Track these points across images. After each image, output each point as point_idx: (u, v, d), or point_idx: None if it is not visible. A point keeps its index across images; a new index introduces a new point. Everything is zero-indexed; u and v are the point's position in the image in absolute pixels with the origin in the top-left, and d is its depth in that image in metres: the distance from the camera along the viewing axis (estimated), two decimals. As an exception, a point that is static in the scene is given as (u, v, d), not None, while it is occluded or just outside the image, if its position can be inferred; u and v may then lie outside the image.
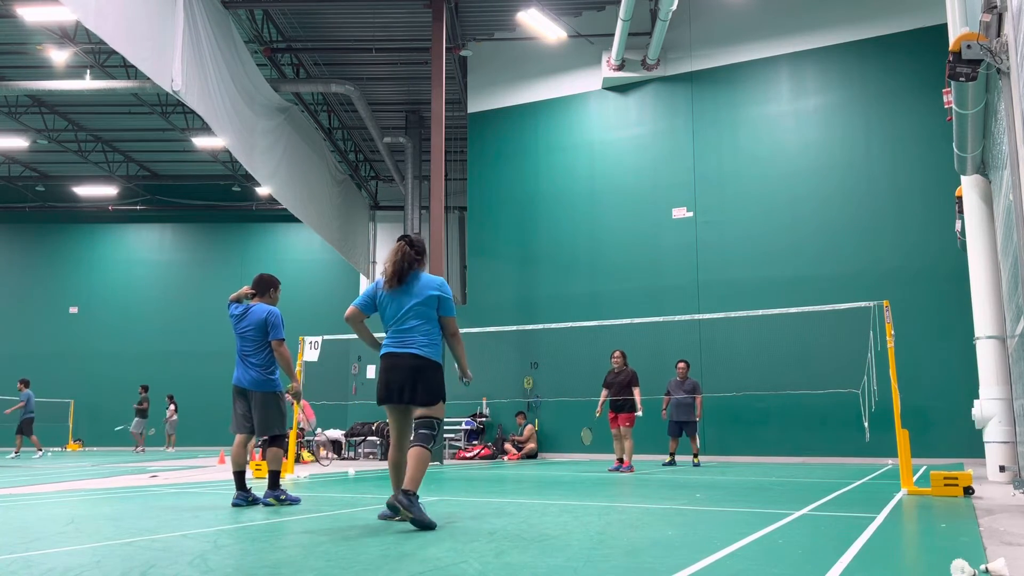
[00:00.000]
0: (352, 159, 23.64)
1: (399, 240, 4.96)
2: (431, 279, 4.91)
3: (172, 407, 21.59)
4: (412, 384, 4.73)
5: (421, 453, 4.63)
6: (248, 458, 6.36)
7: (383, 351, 4.90)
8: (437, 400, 4.79)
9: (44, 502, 6.40)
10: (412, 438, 4.78)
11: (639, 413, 10.80)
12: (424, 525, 4.44)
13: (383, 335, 4.99)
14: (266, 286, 6.44)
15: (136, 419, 20.58)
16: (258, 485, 6.93)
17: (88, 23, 9.49)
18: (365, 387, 18.69)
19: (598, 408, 11.05)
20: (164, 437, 21.53)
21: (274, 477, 6.16)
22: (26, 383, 17.53)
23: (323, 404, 16.64)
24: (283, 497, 6.07)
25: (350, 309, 5.01)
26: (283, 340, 6.19)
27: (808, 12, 15.11)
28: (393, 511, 4.57)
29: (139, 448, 20.48)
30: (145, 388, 21.04)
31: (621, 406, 10.70)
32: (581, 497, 6.58)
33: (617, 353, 11.13)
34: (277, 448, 6.23)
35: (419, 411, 4.80)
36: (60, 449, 22.03)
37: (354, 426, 16.67)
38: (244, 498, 6.03)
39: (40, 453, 17.50)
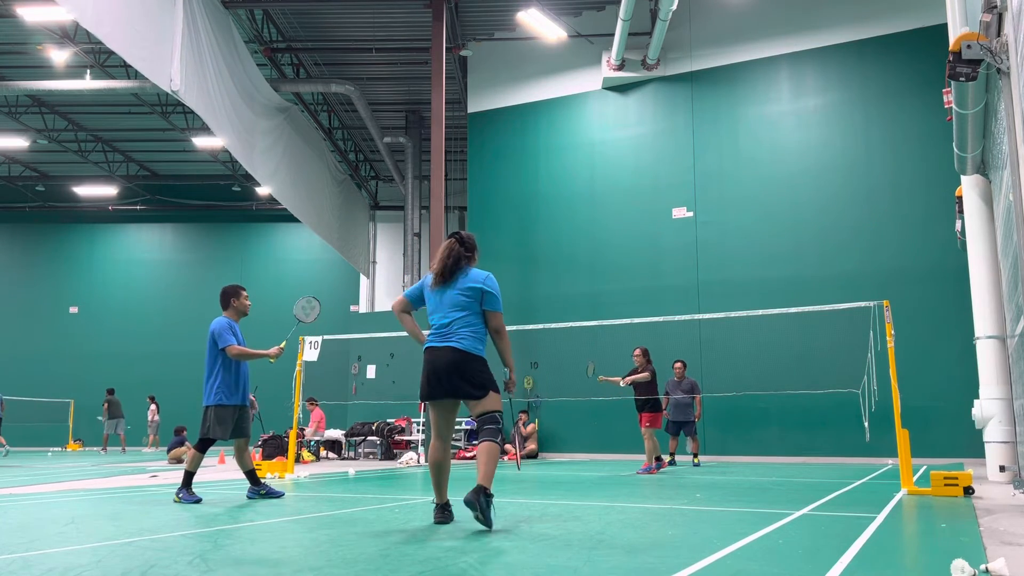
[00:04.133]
0: (352, 159, 23.64)
1: (449, 237, 4.86)
2: (477, 273, 4.78)
3: (153, 407, 21.50)
4: (452, 377, 4.60)
5: (490, 448, 4.56)
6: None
7: (425, 346, 4.81)
8: (486, 390, 4.63)
9: (44, 502, 6.40)
10: (481, 434, 4.65)
11: (621, 384, 10.53)
12: (489, 524, 4.42)
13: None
14: (224, 300, 6.83)
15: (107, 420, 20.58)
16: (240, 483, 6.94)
17: (85, 23, 9.48)
18: (365, 387, 18.70)
19: (608, 378, 10.82)
20: (147, 438, 21.55)
21: (251, 475, 6.78)
22: None
23: (323, 404, 16.66)
24: (263, 492, 6.72)
25: (398, 298, 5.00)
26: (228, 346, 6.51)
27: (808, 12, 15.11)
28: (471, 508, 4.36)
29: (104, 449, 20.47)
30: (111, 391, 20.98)
31: (641, 405, 10.43)
32: (581, 497, 6.58)
33: (637, 351, 10.63)
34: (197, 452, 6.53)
35: (476, 407, 4.65)
36: (60, 449, 22.03)
37: (354, 426, 16.66)
38: (256, 492, 6.70)
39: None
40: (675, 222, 15.56)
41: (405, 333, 5.21)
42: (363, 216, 23.73)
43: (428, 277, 4.92)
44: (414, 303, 5.00)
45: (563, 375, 15.79)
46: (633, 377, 10.36)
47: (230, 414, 6.47)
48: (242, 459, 6.69)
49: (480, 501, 4.34)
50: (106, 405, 20.60)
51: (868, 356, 7.89)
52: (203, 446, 6.44)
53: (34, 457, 17.09)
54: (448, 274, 4.75)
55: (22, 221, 26.07)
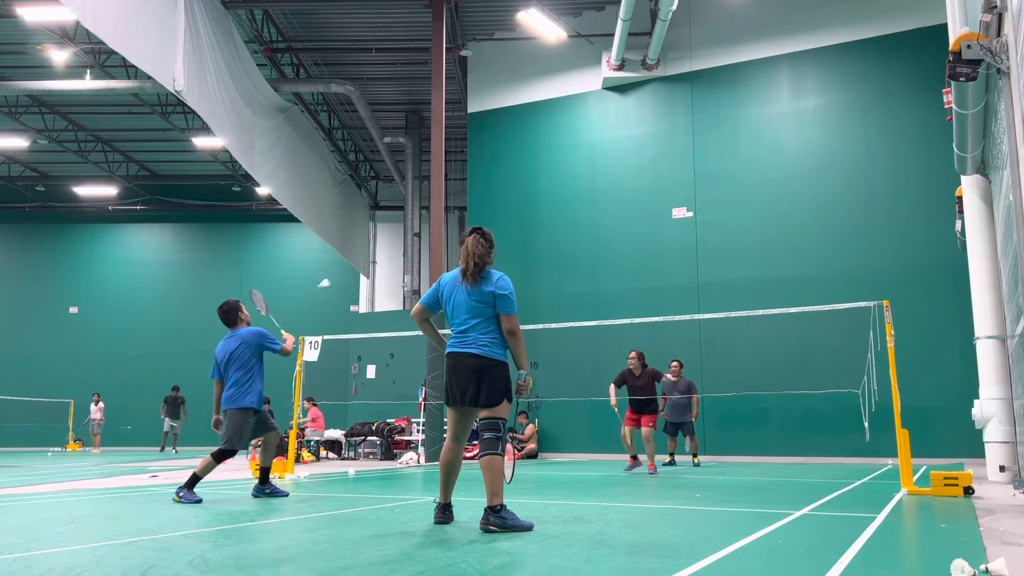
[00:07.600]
0: (352, 159, 23.63)
1: (470, 233, 4.84)
2: (492, 275, 4.78)
3: (99, 405, 21.30)
4: (476, 385, 4.61)
5: (493, 462, 4.55)
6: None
7: (447, 350, 4.83)
8: (501, 400, 4.64)
9: (44, 502, 6.40)
10: (480, 445, 4.64)
11: (663, 412, 10.50)
12: (525, 529, 4.45)
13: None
14: (235, 315, 6.93)
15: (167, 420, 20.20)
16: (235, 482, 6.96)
17: (87, 23, 9.49)
18: (365, 387, 18.69)
19: (613, 403, 10.72)
20: (90, 438, 21.28)
21: (264, 473, 6.91)
22: None
23: (323, 404, 16.66)
24: (268, 491, 6.80)
25: (415, 307, 5.00)
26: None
27: (808, 12, 15.10)
28: (488, 533, 4.39)
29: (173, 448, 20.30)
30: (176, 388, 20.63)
31: (643, 407, 10.41)
32: (581, 497, 6.58)
33: (633, 354, 10.61)
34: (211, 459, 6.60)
35: (483, 411, 4.68)
36: (60, 449, 22.02)
37: (354, 426, 16.66)
38: (261, 490, 6.81)
39: None
40: (675, 222, 15.56)
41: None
42: (363, 216, 23.73)
43: (443, 279, 4.93)
44: (432, 309, 4.98)
45: (563, 375, 15.80)
46: (663, 401, 10.23)
47: (251, 421, 6.62)
48: (268, 454, 6.85)
49: (493, 522, 4.42)
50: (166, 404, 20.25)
51: (868, 356, 7.89)
52: (222, 456, 6.46)
53: (34, 457, 17.08)
54: (476, 271, 4.73)
55: (22, 221, 26.06)
